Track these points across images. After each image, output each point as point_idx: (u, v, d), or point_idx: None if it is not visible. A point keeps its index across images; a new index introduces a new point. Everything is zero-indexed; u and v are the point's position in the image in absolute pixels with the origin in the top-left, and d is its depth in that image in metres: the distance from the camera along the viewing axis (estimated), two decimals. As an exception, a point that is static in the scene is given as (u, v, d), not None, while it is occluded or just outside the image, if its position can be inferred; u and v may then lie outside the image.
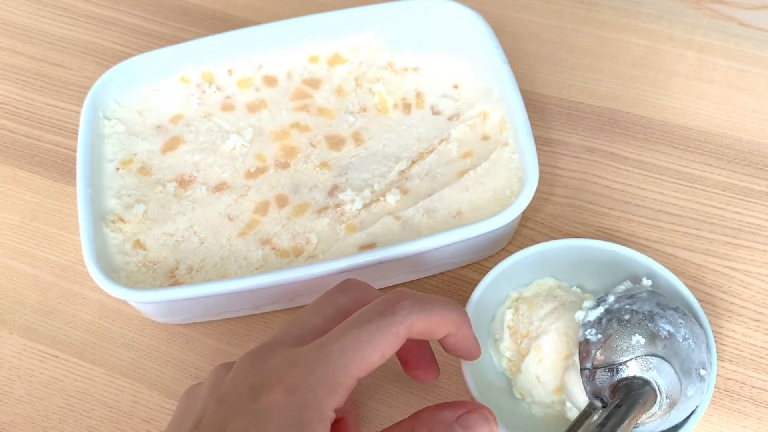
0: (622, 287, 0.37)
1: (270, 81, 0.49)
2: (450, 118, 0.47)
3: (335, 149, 0.47)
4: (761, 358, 0.40)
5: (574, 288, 0.40)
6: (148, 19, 0.56)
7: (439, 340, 0.33)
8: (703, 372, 0.35)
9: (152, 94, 0.49)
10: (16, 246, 0.46)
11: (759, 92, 0.49)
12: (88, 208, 0.42)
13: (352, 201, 0.44)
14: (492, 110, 0.46)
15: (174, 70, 0.49)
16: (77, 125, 0.47)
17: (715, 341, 0.37)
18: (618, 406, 0.33)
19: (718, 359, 0.39)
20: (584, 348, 0.35)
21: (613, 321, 0.35)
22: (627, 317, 0.35)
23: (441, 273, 0.44)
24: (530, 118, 0.43)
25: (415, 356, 0.36)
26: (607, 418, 0.33)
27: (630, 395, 0.33)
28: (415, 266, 0.42)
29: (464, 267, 0.44)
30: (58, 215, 0.47)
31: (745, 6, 0.53)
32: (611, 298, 0.36)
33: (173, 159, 0.47)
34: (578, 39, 0.53)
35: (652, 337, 0.34)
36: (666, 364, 0.34)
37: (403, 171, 0.45)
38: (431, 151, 0.46)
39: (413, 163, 0.46)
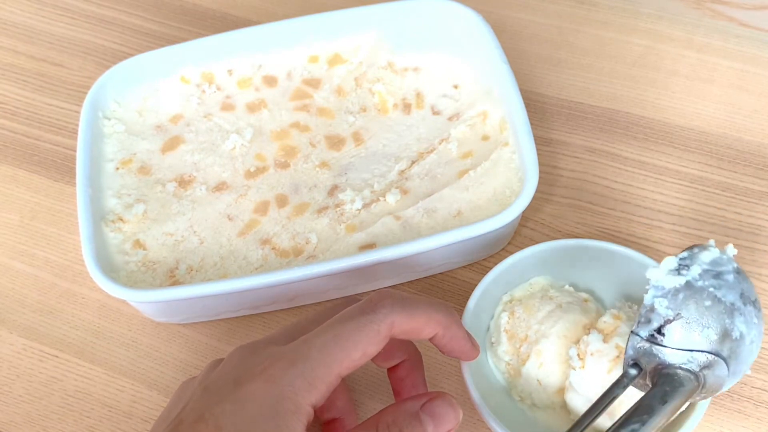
0: (707, 255, 0.32)
1: (270, 81, 0.49)
2: (450, 118, 0.47)
3: (335, 149, 0.47)
4: (761, 358, 0.40)
5: (566, 286, 0.40)
6: (148, 19, 0.56)
7: (431, 342, 0.33)
8: (748, 372, 0.32)
9: (152, 93, 0.49)
10: (16, 246, 0.46)
11: (759, 92, 0.49)
12: (88, 207, 0.42)
13: (352, 201, 0.44)
14: (492, 110, 0.46)
15: (174, 70, 0.49)
16: (77, 125, 0.47)
17: (716, 341, 0.37)
18: (663, 402, 0.30)
19: (718, 359, 0.39)
20: (647, 313, 0.31)
21: (690, 301, 0.31)
22: (707, 303, 0.31)
23: (441, 273, 0.44)
24: (530, 118, 0.43)
25: (408, 387, 0.36)
26: (650, 411, 0.30)
27: (676, 391, 0.30)
28: (414, 266, 0.42)
29: (464, 267, 0.44)
30: (57, 215, 0.47)
31: (745, 6, 0.53)
32: (696, 271, 0.31)
33: (173, 159, 0.47)
34: (578, 39, 0.53)
35: (724, 335, 0.30)
36: (723, 365, 0.31)
37: (403, 171, 0.45)
38: (431, 151, 0.46)
39: (413, 163, 0.46)
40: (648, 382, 0.32)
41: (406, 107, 0.48)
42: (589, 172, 0.47)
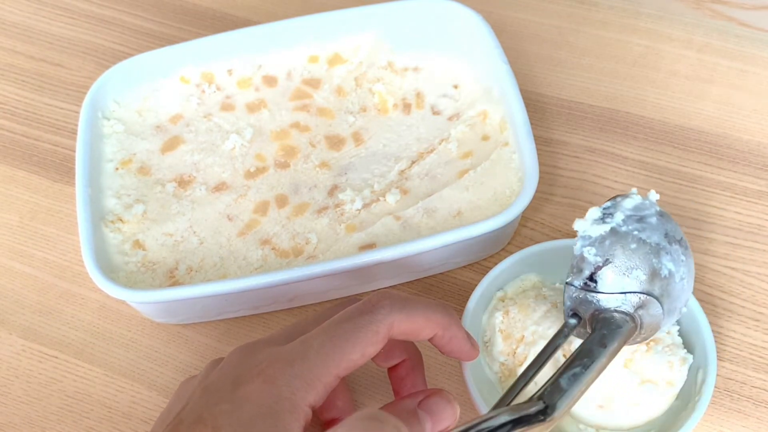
0: (630, 202, 0.34)
1: (270, 81, 0.49)
2: (450, 118, 0.47)
3: (335, 149, 0.47)
4: (761, 357, 0.40)
5: (557, 284, 0.40)
6: (147, 19, 0.56)
7: (431, 342, 0.33)
8: (684, 309, 0.33)
9: (152, 94, 0.49)
10: (15, 246, 0.46)
11: (759, 92, 0.49)
12: (87, 208, 0.42)
13: (352, 201, 0.44)
14: (492, 110, 0.46)
15: (174, 70, 0.49)
16: (76, 125, 0.46)
17: (715, 341, 0.37)
18: (603, 345, 0.31)
19: (718, 359, 0.39)
20: (578, 263, 0.33)
21: (616, 246, 0.32)
22: (633, 246, 0.32)
23: (441, 273, 0.43)
24: (530, 118, 0.43)
25: (408, 387, 0.36)
26: (590, 355, 0.31)
27: (614, 333, 0.31)
28: (414, 266, 0.42)
29: (464, 267, 0.44)
30: (57, 215, 0.47)
31: (745, 6, 0.54)
32: (619, 217, 0.33)
33: (173, 159, 0.47)
34: (578, 39, 0.53)
35: (653, 275, 0.32)
36: (657, 304, 0.32)
37: (403, 171, 0.45)
38: (431, 151, 0.46)
39: (413, 163, 0.46)
40: (588, 329, 0.33)
41: (406, 107, 0.48)
42: (589, 172, 0.47)
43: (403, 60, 0.49)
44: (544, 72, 0.51)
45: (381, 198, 0.44)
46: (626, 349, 0.35)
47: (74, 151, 0.45)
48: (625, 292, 0.32)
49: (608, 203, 0.34)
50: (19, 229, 0.47)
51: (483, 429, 0.28)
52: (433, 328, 0.32)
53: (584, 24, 0.54)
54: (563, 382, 0.30)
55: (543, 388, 0.31)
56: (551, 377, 0.31)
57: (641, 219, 0.33)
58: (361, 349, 0.30)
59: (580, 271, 0.33)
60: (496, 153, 0.44)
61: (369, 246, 0.42)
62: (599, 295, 0.32)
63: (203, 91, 0.49)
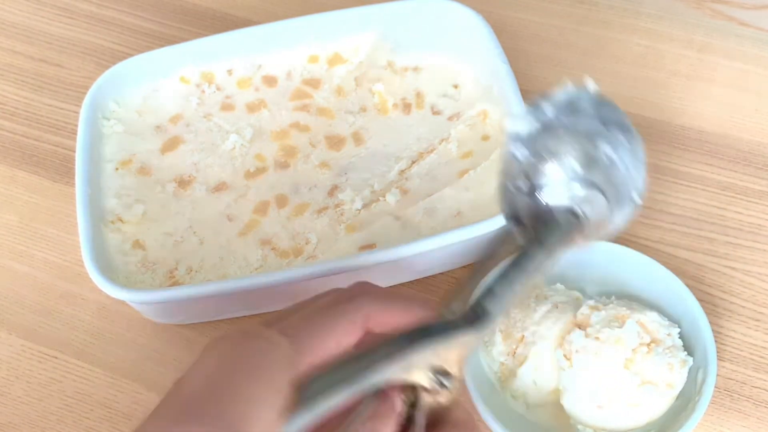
0: (561, 94, 0.30)
1: (270, 81, 0.49)
2: (450, 118, 0.47)
3: (335, 149, 0.47)
4: (761, 357, 0.40)
5: (558, 284, 0.40)
6: (147, 19, 0.56)
7: None
8: (636, 197, 0.30)
9: (152, 94, 0.48)
10: (15, 246, 0.46)
11: (760, 92, 0.49)
12: (87, 208, 0.42)
13: (352, 201, 0.44)
14: (492, 110, 0.46)
15: (174, 70, 0.49)
16: (76, 125, 0.46)
17: (716, 341, 0.37)
18: (541, 244, 0.28)
19: (718, 359, 0.39)
20: (510, 164, 0.30)
21: (547, 140, 0.29)
22: (566, 138, 0.29)
23: (441, 273, 0.43)
24: (530, 118, 0.43)
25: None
26: (527, 257, 0.28)
27: (555, 232, 0.29)
28: (414, 266, 0.42)
29: (464, 267, 0.44)
30: (57, 216, 0.47)
31: (745, 6, 0.53)
32: (549, 110, 0.30)
33: (173, 159, 0.47)
34: (578, 39, 0.53)
35: (591, 163, 0.29)
36: (600, 195, 0.30)
37: (403, 171, 0.45)
38: (431, 151, 0.46)
39: (413, 163, 0.46)
40: (530, 232, 0.31)
41: (406, 107, 0.48)
42: (589, 172, 0.47)
43: (403, 60, 0.49)
44: (544, 72, 0.51)
45: (381, 198, 0.44)
46: (626, 350, 0.35)
47: (74, 152, 0.45)
48: (562, 186, 0.29)
49: (539, 98, 0.31)
50: (19, 229, 0.47)
51: (417, 333, 0.27)
52: (412, 321, 0.32)
53: (584, 24, 0.54)
54: (496, 287, 0.27)
55: (476, 297, 0.28)
56: (492, 281, 0.28)
57: (575, 109, 0.30)
58: (337, 338, 0.30)
59: (514, 171, 0.30)
60: (496, 153, 0.44)
61: (369, 246, 0.42)
62: (537, 194, 0.30)
63: (203, 91, 0.49)
